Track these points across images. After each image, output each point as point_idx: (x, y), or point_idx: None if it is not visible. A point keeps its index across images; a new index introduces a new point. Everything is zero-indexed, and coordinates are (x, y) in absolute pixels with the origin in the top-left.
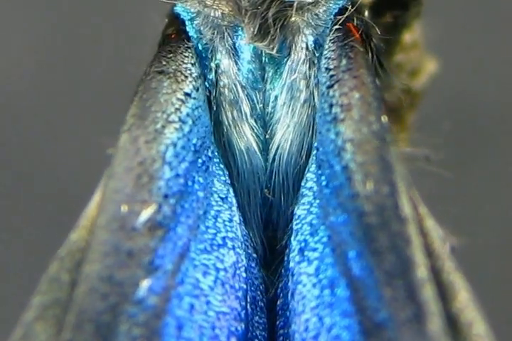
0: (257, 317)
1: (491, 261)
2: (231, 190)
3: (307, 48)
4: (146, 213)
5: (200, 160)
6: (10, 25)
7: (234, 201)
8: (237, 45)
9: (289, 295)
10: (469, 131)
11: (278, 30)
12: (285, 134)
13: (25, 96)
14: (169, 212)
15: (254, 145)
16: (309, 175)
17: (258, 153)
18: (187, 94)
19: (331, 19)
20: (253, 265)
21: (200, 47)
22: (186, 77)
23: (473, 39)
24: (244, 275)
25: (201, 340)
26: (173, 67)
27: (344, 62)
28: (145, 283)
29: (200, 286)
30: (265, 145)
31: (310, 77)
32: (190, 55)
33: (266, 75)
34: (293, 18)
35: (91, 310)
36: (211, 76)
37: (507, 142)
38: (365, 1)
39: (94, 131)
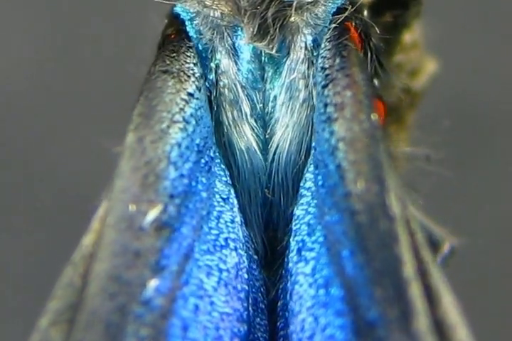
0: (258, 319)
1: (491, 261)
2: (232, 191)
3: (306, 48)
4: (153, 213)
5: (203, 161)
6: (10, 25)
7: (235, 202)
8: (236, 45)
9: (288, 295)
10: (469, 131)
11: (277, 30)
12: (284, 134)
13: (25, 96)
14: (174, 212)
15: (255, 145)
16: (308, 175)
17: (258, 152)
18: (190, 95)
19: (329, 18)
20: (254, 266)
21: (200, 47)
22: (189, 76)
23: (473, 39)
24: (246, 276)
25: None
26: (177, 67)
27: (338, 60)
28: (152, 284)
29: (204, 287)
30: (265, 145)
31: (309, 77)
32: (192, 54)
33: (265, 75)
34: (292, 18)
35: (100, 310)
36: (211, 76)
37: (507, 142)
38: (365, 1)
39: (94, 131)
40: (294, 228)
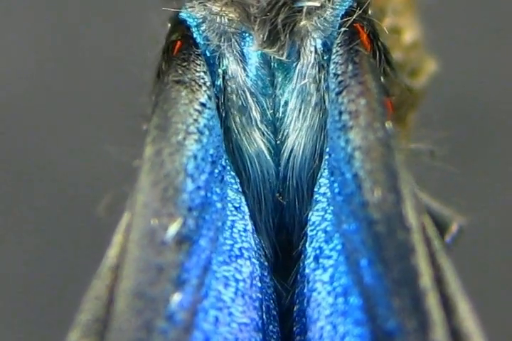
0: (271, 326)
1: (493, 254)
2: (243, 199)
3: (316, 52)
4: (174, 227)
5: (216, 171)
6: (10, 25)
7: (246, 209)
8: (244, 51)
9: (305, 302)
10: (469, 130)
11: (287, 35)
12: (298, 138)
13: (25, 96)
14: (193, 225)
15: (265, 150)
16: (322, 181)
17: (269, 157)
18: (203, 105)
19: (338, 22)
20: (265, 274)
21: (207, 54)
22: (200, 86)
23: (473, 39)
24: (259, 284)
25: None
26: (189, 76)
27: (350, 67)
28: (175, 298)
29: (223, 298)
30: (276, 150)
31: (320, 81)
32: (202, 62)
33: (275, 81)
34: (302, 23)
35: (127, 327)
36: (219, 82)
37: (507, 142)
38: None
39: (94, 131)
40: (309, 234)
